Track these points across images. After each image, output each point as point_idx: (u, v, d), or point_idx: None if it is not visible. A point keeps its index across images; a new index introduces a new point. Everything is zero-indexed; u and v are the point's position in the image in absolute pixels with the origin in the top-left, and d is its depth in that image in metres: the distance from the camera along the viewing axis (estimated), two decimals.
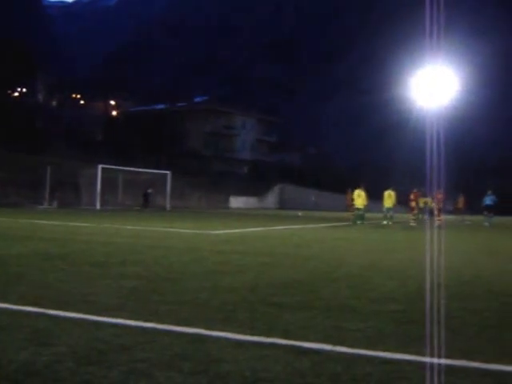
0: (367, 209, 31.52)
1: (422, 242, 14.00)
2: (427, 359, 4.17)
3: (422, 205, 35.22)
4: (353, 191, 31.54)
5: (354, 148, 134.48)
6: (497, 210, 34.54)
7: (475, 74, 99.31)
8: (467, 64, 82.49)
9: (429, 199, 32.15)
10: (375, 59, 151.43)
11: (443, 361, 4.15)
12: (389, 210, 31.63)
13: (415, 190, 32.45)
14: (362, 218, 30.43)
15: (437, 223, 28.12)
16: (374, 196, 33.66)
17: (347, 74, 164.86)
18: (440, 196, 30.03)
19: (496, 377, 3.96)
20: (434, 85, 33.63)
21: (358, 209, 30.51)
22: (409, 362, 4.17)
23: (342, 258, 11.77)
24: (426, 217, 31.85)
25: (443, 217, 29.97)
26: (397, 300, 6.73)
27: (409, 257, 12.57)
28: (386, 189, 32.20)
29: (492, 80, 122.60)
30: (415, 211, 31.78)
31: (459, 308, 6.27)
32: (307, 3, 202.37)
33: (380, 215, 32.86)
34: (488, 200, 34.15)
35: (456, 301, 6.66)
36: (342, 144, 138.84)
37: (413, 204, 31.75)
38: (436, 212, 30.01)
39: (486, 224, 32.13)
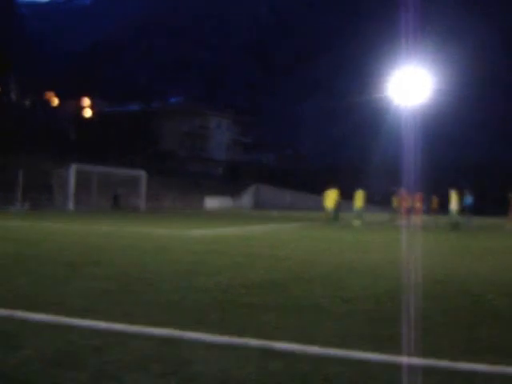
0: (339, 209, 31.70)
1: (397, 242, 14.08)
2: (399, 358, 4.18)
3: (395, 204, 35.46)
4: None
5: (330, 148, 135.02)
6: (473, 210, 34.73)
7: (450, 74, 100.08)
8: (442, 64, 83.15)
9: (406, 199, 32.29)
10: (351, 60, 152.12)
11: (414, 360, 4.16)
12: (359, 209, 31.77)
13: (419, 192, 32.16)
14: (336, 218, 30.57)
15: (414, 223, 28.36)
16: (349, 196, 33.77)
17: (323, 75, 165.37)
18: (418, 196, 30.22)
19: (466, 375, 3.97)
20: (409, 85, 33.85)
21: (330, 209, 30.65)
22: (380, 362, 4.18)
23: (316, 258, 11.79)
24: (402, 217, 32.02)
25: (420, 217, 30.15)
26: (369, 299, 6.74)
27: (383, 257, 12.62)
28: (357, 189, 32.35)
29: (467, 80, 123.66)
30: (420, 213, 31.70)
31: (431, 307, 6.31)
32: (283, 4, 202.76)
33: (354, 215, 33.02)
34: (468, 200, 34.44)
35: (428, 300, 6.70)
36: (318, 144, 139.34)
37: (419, 206, 31.51)
38: (414, 212, 30.24)
39: (469, 224, 32.44)
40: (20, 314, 5.42)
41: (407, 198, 32.63)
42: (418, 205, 30.22)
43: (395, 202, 33.78)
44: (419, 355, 4.27)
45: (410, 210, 30.60)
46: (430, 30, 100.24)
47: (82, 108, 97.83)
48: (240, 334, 4.83)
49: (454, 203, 26.85)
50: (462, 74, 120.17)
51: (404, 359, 4.15)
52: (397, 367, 3.99)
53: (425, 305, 6.36)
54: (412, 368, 3.97)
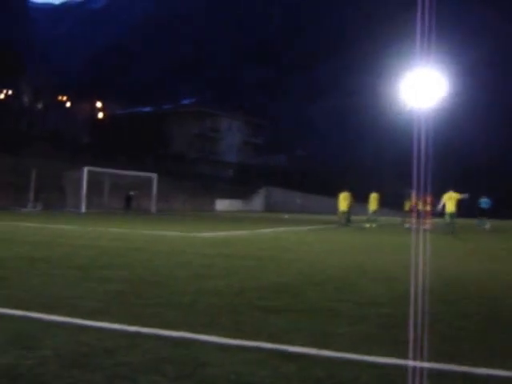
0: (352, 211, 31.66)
1: (409, 245, 14.02)
2: (414, 363, 4.15)
3: (407, 208, 35.34)
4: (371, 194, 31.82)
5: (341, 150, 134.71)
6: (490, 213, 34.46)
7: (464, 75, 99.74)
8: (456, 66, 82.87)
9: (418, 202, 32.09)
10: (364, 60, 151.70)
11: (430, 364, 4.14)
12: (374, 212, 31.70)
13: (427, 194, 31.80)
14: (348, 220, 30.56)
15: (425, 226, 28.21)
16: (362, 199, 33.68)
17: (335, 76, 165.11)
18: (429, 199, 30.05)
19: (483, 381, 3.95)
20: (422, 86, 33.66)
21: (343, 211, 30.60)
22: (395, 366, 4.16)
23: (328, 261, 11.77)
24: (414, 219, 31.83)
25: (431, 220, 29.99)
26: (383, 303, 6.72)
27: (395, 260, 12.58)
28: (371, 192, 32.26)
29: (481, 82, 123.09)
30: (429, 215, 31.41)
31: (447, 311, 6.28)
32: (294, 4, 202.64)
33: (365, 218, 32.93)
34: (483, 203, 34.23)
35: (444, 304, 6.67)
36: (329, 146, 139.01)
37: (426, 208, 31.18)
38: (424, 215, 30.05)
39: (486, 227, 32.23)
40: (35, 314, 5.45)
41: (417, 201, 32.47)
42: (429, 207, 30.02)
43: (407, 204, 33.61)
44: (435, 360, 4.25)
45: (421, 213, 30.40)
46: (445, 31, 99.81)
47: (94, 111, 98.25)
48: (253, 337, 4.83)
49: (449, 205, 26.54)
50: (475, 75, 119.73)
51: (420, 364, 4.12)
52: (413, 372, 3.97)
53: (441, 309, 6.34)
54: (428, 373, 3.95)
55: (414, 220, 32.25)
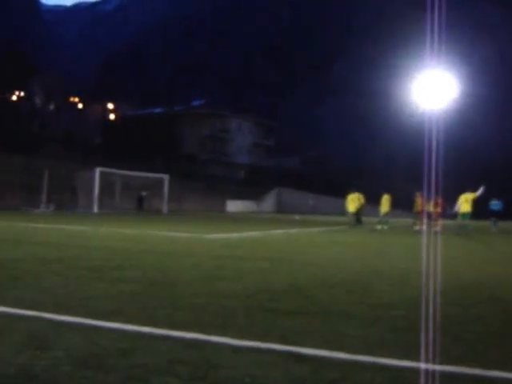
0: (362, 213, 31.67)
1: (421, 247, 13.98)
2: (427, 366, 4.14)
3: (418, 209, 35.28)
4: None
5: (353, 151, 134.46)
6: (501, 215, 34.34)
7: (476, 74, 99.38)
8: (468, 65, 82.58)
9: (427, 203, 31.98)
10: (374, 62, 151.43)
11: (443, 367, 4.13)
12: (385, 214, 31.62)
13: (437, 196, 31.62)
14: (359, 222, 30.53)
15: (435, 228, 28.12)
16: (374, 200, 33.63)
17: (346, 77, 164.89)
18: (439, 201, 29.94)
19: None
20: (434, 87, 33.53)
21: (352, 213, 30.58)
22: (409, 369, 4.14)
23: (340, 263, 11.74)
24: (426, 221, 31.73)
25: (441, 222, 29.90)
26: (395, 306, 6.70)
27: (407, 262, 12.54)
28: (383, 193, 32.18)
29: (494, 80, 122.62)
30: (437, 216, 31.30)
31: (459, 314, 6.26)
32: (305, 5, 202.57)
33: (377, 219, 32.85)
34: (494, 205, 34.10)
35: (457, 307, 6.64)
36: (341, 147, 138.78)
37: (437, 210, 31.02)
38: (434, 217, 29.94)
39: (494, 230, 32.11)
40: (48, 315, 5.48)
41: (425, 203, 32.42)
42: (439, 209, 29.91)
43: (418, 206, 33.50)
44: (449, 363, 4.24)
45: (432, 215, 30.28)
46: (456, 31, 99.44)
47: (105, 112, 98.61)
48: (266, 338, 4.82)
49: (465, 206, 26.40)
50: (487, 75, 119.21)
51: (434, 366, 4.11)
52: (427, 374, 3.95)
53: (454, 311, 6.31)
54: (442, 376, 3.94)
55: (423, 222, 32.20)
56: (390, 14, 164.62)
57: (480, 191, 26.35)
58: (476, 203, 26.47)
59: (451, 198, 28.37)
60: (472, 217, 26.65)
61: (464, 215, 26.02)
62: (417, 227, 30.86)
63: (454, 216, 27.93)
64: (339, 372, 4.01)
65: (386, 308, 6.55)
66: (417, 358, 4.33)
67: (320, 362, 4.26)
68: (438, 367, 4.11)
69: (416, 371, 4.08)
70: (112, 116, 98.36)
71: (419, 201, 32.15)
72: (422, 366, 4.15)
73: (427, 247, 14.85)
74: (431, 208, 30.29)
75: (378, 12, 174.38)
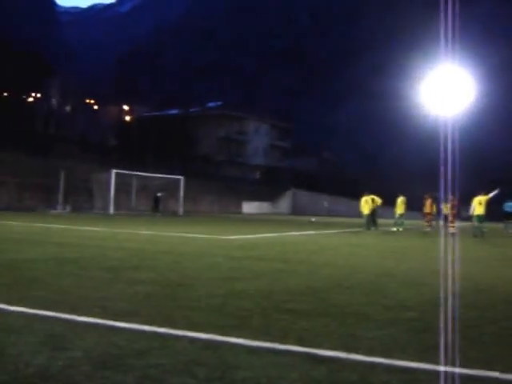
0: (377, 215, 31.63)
1: (436, 249, 13.92)
2: (444, 368, 4.12)
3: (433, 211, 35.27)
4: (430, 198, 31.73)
5: (368, 153, 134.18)
6: None
7: (492, 77, 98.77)
8: (483, 67, 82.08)
9: (444, 205, 31.85)
10: (390, 63, 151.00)
11: (460, 370, 4.11)
12: (400, 216, 31.54)
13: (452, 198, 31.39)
14: (374, 224, 30.48)
15: (450, 230, 28.00)
16: (389, 202, 33.53)
17: (361, 79, 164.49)
18: (454, 203, 29.80)
19: None
20: (449, 89, 33.37)
21: (367, 215, 30.53)
22: (426, 371, 4.13)
23: (356, 265, 11.71)
24: (441, 223, 31.60)
25: (457, 223, 29.77)
26: (411, 307, 6.68)
27: (423, 264, 12.50)
28: (398, 195, 32.11)
29: (510, 83, 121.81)
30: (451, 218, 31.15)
31: (476, 317, 6.22)
32: (320, 8, 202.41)
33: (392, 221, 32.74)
34: (508, 207, 33.89)
35: (472, 309, 6.61)
36: (356, 149, 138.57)
37: (453, 211, 30.83)
38: (450, 219, 29.81)
39: (508, 232, 31.93)
40: (66, 316, 5.51)
41: (433, 204, 32.35)
42: (455, 211, 29.76)
43: (426, 208, 33.41)
44: (466, 365, 4.21)
45: (447, 217, 30.15)
46: (471, 32, 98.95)
47: (121, 113, 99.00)
48: (282, 340, 4.82)
49: (478, 208, 26.23)
50: (504, 77, 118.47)
51: (451, 369, 4.09)
52: (444, 377, 3.94)
53: (470, 314, 6.28)
54: (459, 378, 3.92)
55: (432, 223, 32.11)
56: (405, 15, 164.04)
57: (494, 193, 26.20)
58: (489, 205, 26.30)
59: (465, 201, 28.21)
60: (486, 219, 26.48)
61: (479, 217, 25.87)
62: (427, 228, 30.81)
63: (469, 218, 27.77)
64: (356, 374, 4.01)
65: (401, 310, 6.53)
66: (433, 361, 4.31)
67: (337, 363, 4.26)
68: (454, 370, 4.09)
69: (432, 373, 4.07)
70: (127, 117, 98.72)
71: (428, 203, 32.14)
72: (439, 368, 4.14)
73: (442, 249, 14.76)
74: (447, 210, 30.22)
75: (393, 13, 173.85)
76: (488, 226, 28.61)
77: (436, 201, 34.82)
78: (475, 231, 25.50)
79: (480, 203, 25.93)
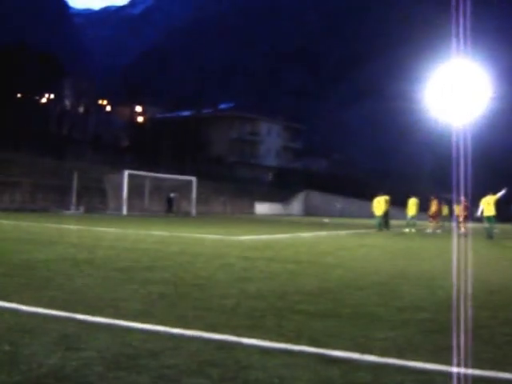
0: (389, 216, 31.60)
1: (449, 250, 13.89)
2: (457, 369, 4.12)
3: (445, 213, 35.31)
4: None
5: (380, 154, 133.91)
6: None
7: (507, 78, 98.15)
8: (497, 69, 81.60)
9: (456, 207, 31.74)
10: (402, 64, 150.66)
11: (473, 371, 4.10)
12: (412, 217, 31.44)
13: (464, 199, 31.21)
14: (386, 225, 30.45)
15: (461, 231, 27.96)
16: (401, 203, 33.48)
17: (373, 81, 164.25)
18: (466, 204, 29.71)
19: None
20: (462, 91, 33.22)
21: (379, 216, 30.50)
22: (439, 372, 4.13)
23: (369, 266, 11.69)
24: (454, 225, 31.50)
25: (468, 225, 29.68)
26: (425, 309, 6.67)
27: (436, 265, 12.46)
28: (410, 197, 32.04)
29: None
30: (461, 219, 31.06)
31: (488, 317, 6.20)
32: (332, 11, 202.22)
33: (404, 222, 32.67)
34: None
35: (485, 310, 6.59)
36: (368, 150, 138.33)
37: (465, 213, 30.68)
38: (461, 220, 29.73)
39: None
40: (79, 316, 5.53)
41: (440, 206, 32.30)
42: (464, 212, 29.65)
43: (431, 210, 33.34)
44: (479, 367, 4.21)
45: (458, 218, 30.05)
46: (484, 33, 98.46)
47: (133, 114, 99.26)
48: (295, 340, 4.83)
49: (488, 209, 26.07)
50: None
51: (464, 370, 4.09)
52: (457, 378, 3.93)
53: (483, 315, 6.26)
54: (473, 380, 3.92)
55: (437, 225, 32.01)
56: (417, 16, 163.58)
57: (501, 193, 26.05)
58: (497, 206, 26.14)
59: (477, 203, 28.07)
60: (496, 220, 26.33)
61: (489, 218, 25.72)
62: (428, 230, 30.77)
63: (479, 220, 27.63)
64: (369, 375, 4.01)
65: (414, 310, 6.52)
66: (446, 362, 4.31)
67: (350, 364, 4.26)
68: (467, 371, 4.09)
69: (445, 374, 4.07)
70: (140, 119, 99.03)
71: (433, 205, 32.10)
72: (452, 369, 4.13)
73: (455, 250, 14.73)
74: (458, 211, 30.14)
75: (406, 14, 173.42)
76: (498, 226, 28.50)
77: (446, 203, 34.82)
78: (489, 232, 25.35)
79: (489, 204, 25.80)
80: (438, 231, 30.74)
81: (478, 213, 26.57)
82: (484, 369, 4.19)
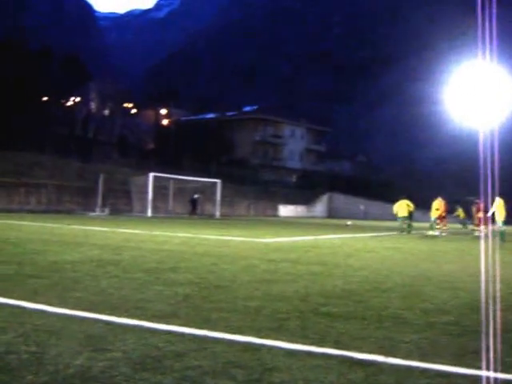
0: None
1: (473, 252, 13.79)
2: (483, 373, 4.10)
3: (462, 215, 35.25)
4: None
5: (404, 157, 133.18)
6: None
7: None
8: None
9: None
10: (425, 68, 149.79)
11: (500, 375, 4.08)
12: (435, 220, 31.19)
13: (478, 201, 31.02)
14: (410, 227, 30.32)
15: (476, 233, 27.85)
16: (425, 206, 33.30)
17: (397, 83, 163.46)
18: (480, 206, 29.42)
19: None
20: (486, 94, 32.99)
21: (403, 218, 30.35)
22: (464, 376, 4.11)
23: (393, 268, 11.65)
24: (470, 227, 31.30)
25: (483, 227, 29.42)
26: (450, 311, 6.64)
27: (459, 267, 12.39)
28: (434, 199, 31.78)
29: None
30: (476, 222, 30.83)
31: None
32: (357, 13, 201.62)
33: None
34: None
35: (510, 313, 6.54)
36: (392, 153, 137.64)
37: (479, 215, 30.48)
38: (476, 222, 29.56)
39: None
40: (105, 317, 5.59)
41: (445, 208, 32.00)
42: (478, 215, 29.38)
43: (460, 212, 33.14)
44: (505, 370, 4.18)
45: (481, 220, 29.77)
46: (509, 36, 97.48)
47: (158, 117, 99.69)
48: (320, 342, 4.85)
49: (500, 212, 25.75)
50: None
51: (490, 374, 4.06)
52: (482, 382, 3.92)
53: (509, 318, 6.22)
54: (498, 383, 3.90)
55: (443, 227, 31.75)
56: (443, 18, 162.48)
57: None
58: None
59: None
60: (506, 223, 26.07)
61: (503, 221, 25.46)
62: (435, 232, 30.52)
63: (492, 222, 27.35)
64: (393, 378, 4.00)
65: (438, 313, 6.51)
66: (471, 365, 4.29)
67: (374, 367, 4.26)
68: (493, 375, 4.06)
69: (470, 378, 4.05)
70: (165, 121, 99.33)
71: (440, 206, 31.77)
72: (477, 373, 4.11)
73: (478, 252, 14.59)
74: (477, 213, 29.90)
75: (431, 17, 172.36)
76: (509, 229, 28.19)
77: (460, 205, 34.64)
78: (502, 236, 25.07)
79: (499, 206, 25.52)
80: (444, 234, 30.34)
81: (489, 214, 26.34)
82: (510, 373, 4.17)
